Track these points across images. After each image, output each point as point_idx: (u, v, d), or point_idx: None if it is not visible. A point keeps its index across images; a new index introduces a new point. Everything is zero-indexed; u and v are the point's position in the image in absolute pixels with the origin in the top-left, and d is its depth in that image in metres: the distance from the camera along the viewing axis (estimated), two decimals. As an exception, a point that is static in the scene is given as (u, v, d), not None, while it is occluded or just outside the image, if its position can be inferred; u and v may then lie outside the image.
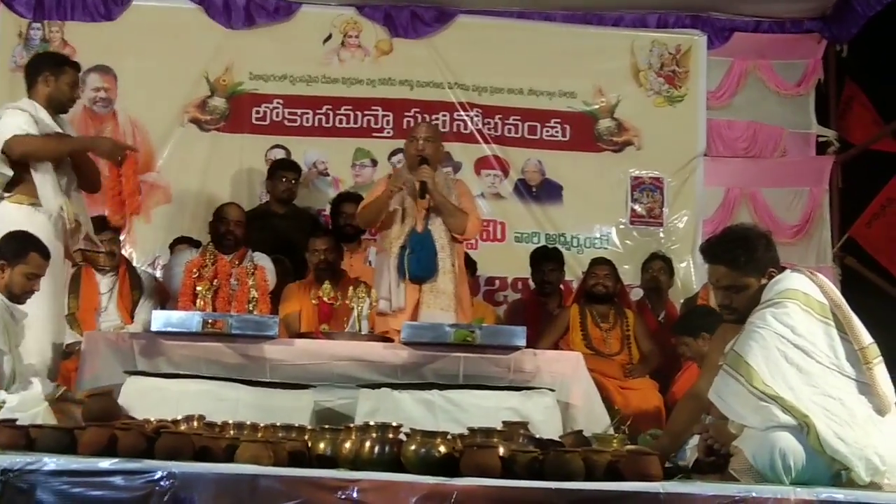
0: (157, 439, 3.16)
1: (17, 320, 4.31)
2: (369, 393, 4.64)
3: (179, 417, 3.64)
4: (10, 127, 4.86)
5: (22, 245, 4.35)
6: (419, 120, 7.48)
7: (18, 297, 4.31)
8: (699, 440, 3.46)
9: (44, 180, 4.88)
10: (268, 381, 4.73)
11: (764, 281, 3.58)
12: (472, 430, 3.43)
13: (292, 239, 6.47)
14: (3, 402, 3.55)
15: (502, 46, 7.74)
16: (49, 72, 5.07)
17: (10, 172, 4.85)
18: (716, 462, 3.36)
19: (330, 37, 7.68)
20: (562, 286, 7.07)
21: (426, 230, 5.45)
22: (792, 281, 3.52)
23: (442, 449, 3.13)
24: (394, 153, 7.53)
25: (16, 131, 4.83)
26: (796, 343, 3.34)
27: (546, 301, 6.80)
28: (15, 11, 7.47)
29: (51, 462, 2.92)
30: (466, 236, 5.68)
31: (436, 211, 5.48)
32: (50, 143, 4.98)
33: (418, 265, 5.35)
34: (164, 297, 6.12)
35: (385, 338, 5.09)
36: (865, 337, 3.41)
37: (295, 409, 4.53)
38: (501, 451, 3.15)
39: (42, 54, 5.80)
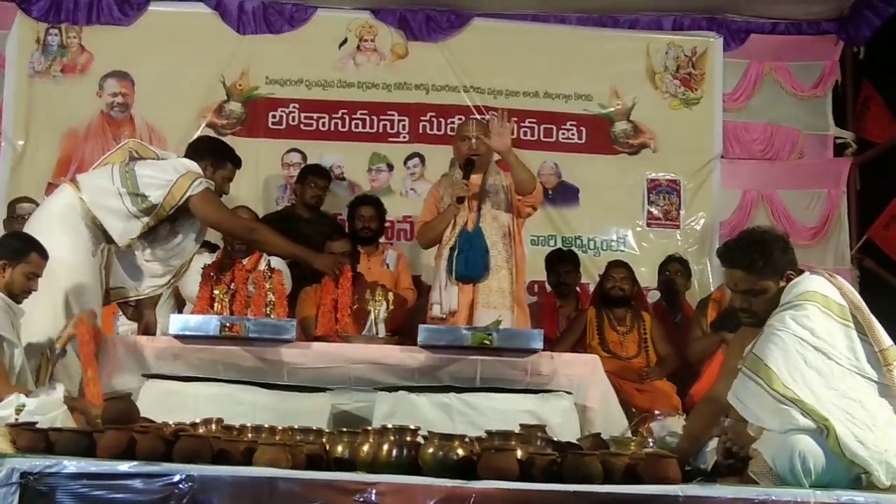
0: (175, 442, 3.16)
1: (17, 317, 4.33)
2: (386, 396, 4.65)
3: (197, 420, 3.65)
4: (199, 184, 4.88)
5: (23, 245, 4.36)
6: (435, 124, 7.52)
7: (17, 296, 4.33)
8: (718, 443, 3.44)
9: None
10: (285, 384, 4.73)
11: (782, 284, 3.56)
12: (489, 433, 3.42)
13: (315, 243, 6.45)
14: (23, 406, 3.56)
15: (518, 49, 7.74)
16: (210, 162, 5.09)
17: (148, 222, 4.87)
18: (735, 465, 3.34)
19: (345, 41, 7.69)
20: (578, 289, 7.06)
21: (476, 228, 5.47)
22: (811, 283, 3.50)
23: (460, 452, 3.12)
24: (410, 157, 7.55)
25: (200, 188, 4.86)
26: (816, 345, 3.33)
27: (563, 304, 6.79)
28: (31, 16, 7.50)
29: (70, 465, 2.93)
30: (534, 197, 5.60)
31: (489, 210, 5.49)
32: (237, 222, 5.13)
33: (466, 265, 5.39)
34: (180, 301, 6.14)
35: (401, 340, 5.09)
36: (885, 339, 3.39)
37: (312, 412, 4.54)
38: (519, 454, 3.13)
39: (210, 140, 5.64)
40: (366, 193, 7.14)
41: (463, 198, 5.44)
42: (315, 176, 6.92)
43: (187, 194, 4.82)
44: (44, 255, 4.39)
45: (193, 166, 4.94)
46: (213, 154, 5.14)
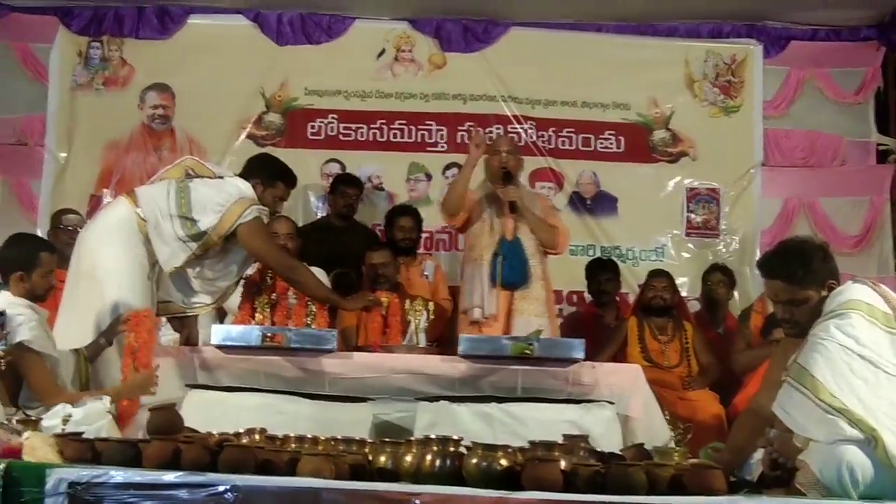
0: (220, 452, 3.18)
1: (44, 320, 4.37)
2: (428, 406, 4.65)
3: (241, 431, 3.66)
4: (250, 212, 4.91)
5: (29, 250, 4.37)
6: (473, 133, 7.50)
7: (42, 296, 4.37)
8: (764, 454, 3.41)
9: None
10: (326, 394, 4.75)
11: (824, 293, 3.52)
12: (532, 443, 3.41)
13: (350, 252, 6.49)
14: (70, 416, 3.60)
15: (555, 58, 7.73)
16: (261, 180, 5.12)
17: (196, 251, 4.90)
18: (781, 476, 3.30)
19: (383, 51, 7.72)
20: (618, 298, 7.04)
21: (516, 238, 5.60)
22: (854, 291, 3.46)
23: (503, 462, 3.11)
24: (448, 167, 7.56)
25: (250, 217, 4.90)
26: (862, 354, 3.28)
27: (603, 313, 6.76)
28: (72, 30, 7.60)
29: (117, 475, 2.95)
30: (557, 250, 5.85)
31: (524, 221, 5.61)
32: (280, 258, 5.14)
33: (511, 272, 5.51)
34: (221, 311, 6.17)
35: (441, 350, 5.10)
36: (933, 347, 3.34)
37: (354, 422, 4.55)
38: (563, 464, 3.12)
39: (264, 158, 5.61)
40: (403, 204, 7.15)
41: (514, 203, 5.53)
42: (344, 185, 6.95)
43: (237, 223, 4.85)
44: (51, 250, 4.43)
45: (247, 190, 4.96)
46: (264, 172, 5.17)
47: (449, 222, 6.18)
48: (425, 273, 6.53)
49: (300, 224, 6.71)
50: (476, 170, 5.92)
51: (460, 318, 5.72)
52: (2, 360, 3.87)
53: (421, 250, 6.85)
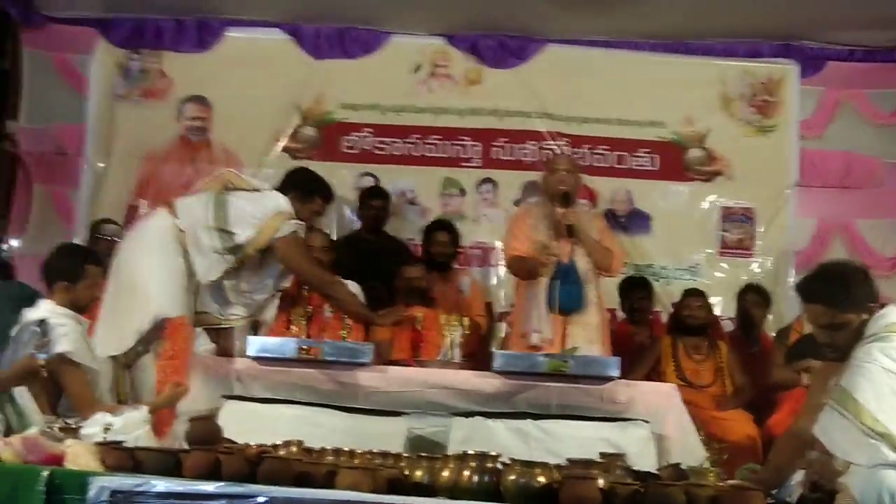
0: (259, 464, 3.20)
1: (85, 331, 4.41)
2: (462, 421, 4.65)
3: (278, 442, 3.68)
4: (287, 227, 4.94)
5: (77, 261, 4.43)
6: (507, 150, 7.55)
7: (84, 308, 4.42)
8: (804, 476, 3.40)
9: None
10: (361, 407, 4.76)
11: (864, 316, 3.50)
12: (571, 461, 3.41)
13: (382, 266, 6.50)
14: (111, 425, 3.63)
15: (590, 76, 7.72)
16: (297, 194, 5.13)
17: (233, 264, 4.92)
18: (821, 499, 3.29)
19: (419, 67, 7.74)
20: (651, 316, 7.02)
21: (571, 261, 5.55)
22: (897, 314, 3.44)
23: (541, 479, 3.12)
24: (482, 182, 7.57)
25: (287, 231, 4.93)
26: (906, 378, 3.27)
27: (636, 331, 6.74)
28: (112, 41, 7.67)
29: (158, 484, 2.99)
30: (611, 273, 5.85)
31: (580, 244, 5.58)
32: (316, 273, 5.16)
33: (568, 297, 5.47)
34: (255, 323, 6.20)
35: (476, 366, 5.10)
36: (976, 372, 3.31)
37: (388, 435, 4.55)
38: (601, 483, 3.12)
39: (301, 172, 5.56)
40: (441, 219, 7.13)
41: (573, 227, 5.51)
42: (369, 198, 7.00)
43: (274, 237, 4.87)
44: (97, 262, 4.49)
45: (285, 204, 4.97)
46: (302, 187, 5.18)
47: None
48: (461, 288, 6.54)
49: (334, 237, 6.73)
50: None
51: (516, 342, 5.66)
52: (42, 369, 3.90)
53: (457, 265, 6.84)
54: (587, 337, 5.46)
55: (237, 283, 4.96)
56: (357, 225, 7.31)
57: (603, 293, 5.82)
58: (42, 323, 4.16)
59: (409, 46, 7.75)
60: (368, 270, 6.47)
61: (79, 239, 6.99)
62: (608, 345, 5.64)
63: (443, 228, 6.66)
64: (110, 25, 7.65)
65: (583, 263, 5.61)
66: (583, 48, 7.73)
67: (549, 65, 7.70)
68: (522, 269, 5.72)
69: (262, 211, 4.89)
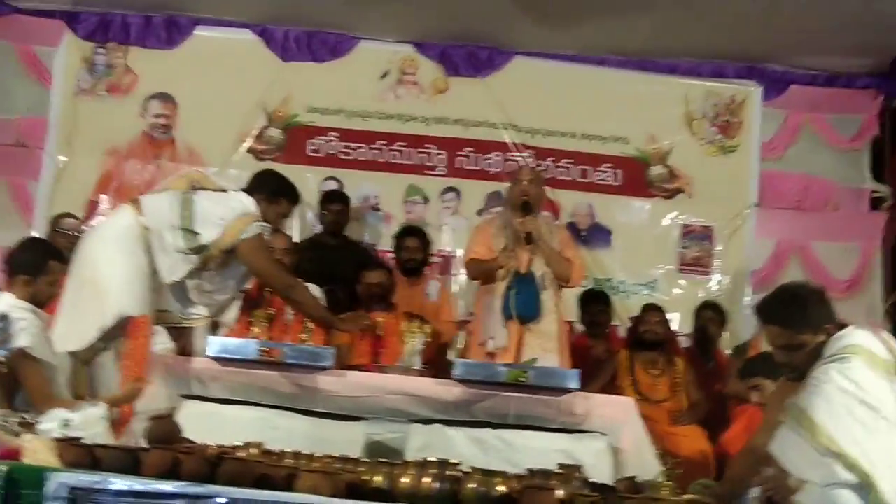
0: (219, 464, 3.18)
1: (45, 326, 4.38)
2: (421, 428, 4.65)
3: (238, 443, 3.66)
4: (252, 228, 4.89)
5: (39, 256, 4.40)
6: (472, 159, 7.58)
7: (43, 303, 4.38)
8: (759, 492, 3.44)
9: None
10: (319, 411, 4.75)
11: (821, 337, 3.56)
12: (530, 471, 3.43)
13: (342, 270, 6.50)
14: (70, 421, 3.59)
15: (557, 89, 7.79)
16: (264, 196, 5.08)
17: (197, 264, 4.87)
18: (776, 515, 3.34)
19: (387, 73, 7.76)
20: (608, 330, 7.07)
21: (529, 272, 5.58)
22: (856, 337, 3.50)
23: (501, 488, 3.13)
24: (446, 191, 7.60)
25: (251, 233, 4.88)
26: (862, 399, 3.31)
27: (593, 345, 6.79)
28: (79, 35, 7.62)
29: (117, 482, 2.95)
30: (571, 284, 5.82)
31: (540, 256, 5.60)
32: (278, 277, 5.10)
33: (524, 306, 5.50)
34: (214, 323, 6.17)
35: (435, 373, 5.11)
36: (932, 394, 3.38)
37: (346, 440, 4.53)
38: (560, 493, 3.14)
39: (268, 174, 5.45)
40: (411, 224, 7.15)
41: (530, 234, 5.54)
42: (328, 202, 7.01)
43: (239, 238, 4.83)
44: (61, 259, 4.46)
45: (251, 206, 4.94)
46: (269, 188, 5.14)
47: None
48: (427, 292, 6.55)
49: (296, 240, 6.72)
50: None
51: (474, 350, 5.68)
52: (1, 365, 3.85)
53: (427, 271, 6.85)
54: (543, 346, 5.49)
55: (200, 282, 4.92)
56: (319, 229, 7.30)
57: (562, 303, 5.82)
58: (2, 318, 4.11)
59: (377, 52, 7.78)
60: (329, 274, 6.46)
61: (37, 232, 6.93)
62: (566, 354, 5.67)
63: (413, 234, 6.68)
64: (77, 18, 7.62)
65: (541, 273, 5.63)
66: (550, 62, 7.80)
67: (517, 77, 7.76)
68: (480, 271, 5.77)
69: (228, 212, 4.86)
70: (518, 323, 5.50)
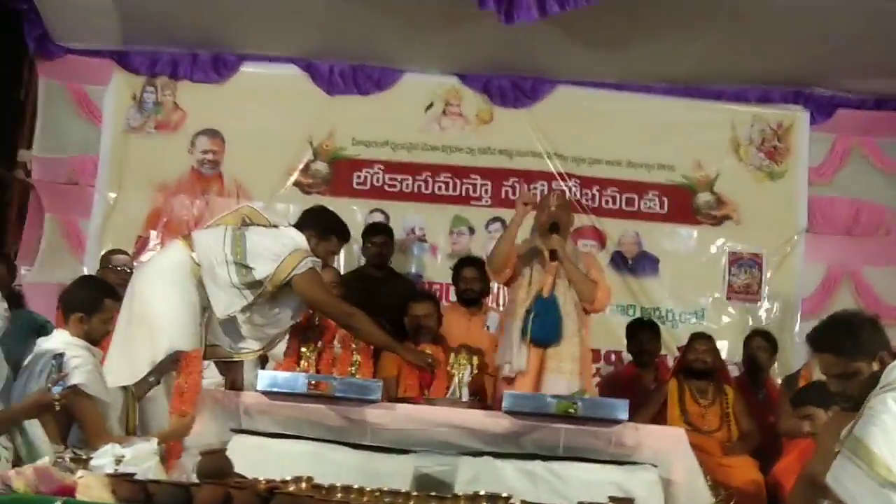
0: (269, 499, 3.19)
1: (99, 363, 4.42)
2: (470, 461, 4.61)
3: (287, 478, 3.66)
4: (305, 263, 4.89)
5: (95, 295, 4.46)
6: (518, 189, 7.57)
7: (98, 341, 4.44)
8: (818, 523, 3.39)
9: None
10: (368, 444, 4.74)
11: (875, 365, 3.51)
12: (581, 503, 3.40)
13: (388, 302, 6.50)
14: (123, 457, 3.62)
15: (601, 117, 7.80)
16: (315, 233, 5.12)
17: (252, 300, 4.88)
18: (832, 547, 3.28)
19: (432, 105, 7.80)
20: (656, 359, 7.01)
21: (552, 295, 5.54)
22: (912, 365, 3.45)
23: (553, 522, 3.11)
24: (491, 221, 7.61)
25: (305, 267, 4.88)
26: (920, 429, 3.26)
27: (642, 374, 6.74)
28: (129, 69, 7.74)
29: (170, 518, 2.97)
30: (596, 306, 5.74)
31: (564, 277, 5.55)
32: (336, 306, 5.09)
33: (542, 329, 5.45)
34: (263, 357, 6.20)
35: (484, 405, 5.08)
36: None
37: (395, 473, 4.51)
38: (613, 526, 3.12)
39: (319, 211, 5.45)
40: (469, 255, 7.09)
41: (555, 252, 5.52)
42: (370, 234, 7.02)
43: (293, 273, 4.84)
44: (116, 297, 4.53)
45: (302, 242, 4.97)
46: (319, 226, 5.16)
47: (494, 278, 6.13)
48: (487, 324, 6.52)
49: (341, 273, 6.75)
50: (523, 226, 5.88)
51: (497, 376, 5.67)
52: (57, 403, 3.89)
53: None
54: (564, 369, 5.44)
55: (251, 316, 4.95)
56: (363, 261, 7.33)
57: (588, 328, 5.72)
58: (59, 355, 4.16)
59: (421, 84, 7.83)
60: (375, 306, 6.44)
61: (88, 268, 7.02)
62: (589, 377, 5.62)
63: (471, 264, 6.62)
64: (127, 57, 7.75)
65: (565, 296, 5.58)
66: (594, 90, 7.81)
67: (561, 106, 7.78)
68: (496, 254, 5.74)
69: (280, 248, 4.89)
70: (539, 346, 5.45)
